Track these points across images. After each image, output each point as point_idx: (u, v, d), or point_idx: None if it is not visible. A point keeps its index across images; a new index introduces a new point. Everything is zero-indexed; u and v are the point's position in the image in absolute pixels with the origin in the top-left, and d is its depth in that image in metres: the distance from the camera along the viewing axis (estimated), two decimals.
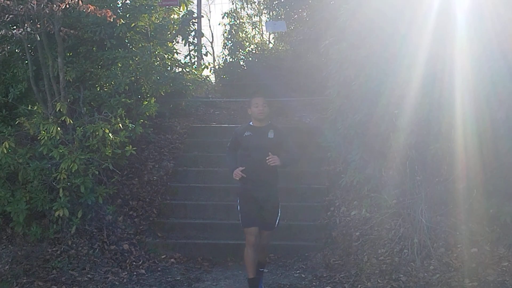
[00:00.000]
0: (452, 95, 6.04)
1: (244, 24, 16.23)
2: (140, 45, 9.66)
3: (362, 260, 6.79)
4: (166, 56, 10.39)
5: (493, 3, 5.74)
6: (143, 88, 9.68)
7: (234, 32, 15.55)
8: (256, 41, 16.42)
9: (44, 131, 7.44)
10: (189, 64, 11.49)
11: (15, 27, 7.79)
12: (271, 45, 16.39)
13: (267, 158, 5.83)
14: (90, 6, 7.18)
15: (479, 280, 6.06)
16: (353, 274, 6.61)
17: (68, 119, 7.76)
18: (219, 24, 17.83)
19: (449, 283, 6.08)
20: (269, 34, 16.81)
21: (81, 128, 7.76)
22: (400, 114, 6.59)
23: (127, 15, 9.60)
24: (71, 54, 9.18)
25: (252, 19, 16.71)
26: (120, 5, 9.84)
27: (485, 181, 6.28)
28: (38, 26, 7.61)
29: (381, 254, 6.75)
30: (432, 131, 6.44)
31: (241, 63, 15.07)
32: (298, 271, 6.99)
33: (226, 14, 15.82)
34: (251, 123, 6.21)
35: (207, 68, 12.65)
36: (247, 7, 16.50)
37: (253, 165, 5.97)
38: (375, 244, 6.91)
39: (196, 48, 11.72)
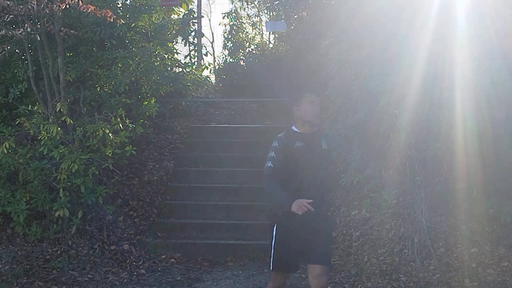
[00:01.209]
0: (452, 94, 6.01)
1: (244, 24, 16.23)
2: (140, 45, 9.66)
3: (362, 260, 6.79)
4: (166, 56, 10.41)
5: (493, 1, 5.75)
6: (143, 88, 9.70)
7: (234, 33, 15.56)
8: (257, 41, 16.42)
9: (44, 131, 7.45)
10: (189, 64, 11.52)
11: (15, 27, 7.82)
12: (271, 45, 16.40)
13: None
14: (90, 6, 7.19)
15: (479, 280, 6.05)
16: (353, 274, 6.61)
17: (68, 119, 7.77)
18: (219, 24, 17.86)
19: (449, 283, 6.08)
20: (269, 34, 16.84)
21: (81, 128, 7.77)
22: (400, 114, 6.54)
23: (127, 15, 9.62)
24: (71, 54, 9.18)
25: (252, 19, 16.72)
26: (120, 5, 9.85)
27: (485, 181, 6.26)
28: (38, 26, 7.64)
29: (381, 254, 6.74)
30: (432, 130, 6.42)
31: (241, 63, 15.09)
32: (298, 271, 7.00)
33: (226, 14, 15.83)
34: (296, 129, 4.69)
35: (207, 69, 12.66)
36: (247, 7, 16.51)
37: (304, 189, 4.49)
38: (375, 244, 6.90)
39: (196, 48, 11.74)
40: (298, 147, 4.53)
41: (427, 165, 6.76)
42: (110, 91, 9.10)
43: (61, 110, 7.76)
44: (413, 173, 6.77)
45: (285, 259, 4.61)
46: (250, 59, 14.91)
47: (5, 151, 7.10)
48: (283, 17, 12.90)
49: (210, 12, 21.83)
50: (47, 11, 7.26)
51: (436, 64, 6.18)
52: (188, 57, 11.75)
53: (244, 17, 16.52)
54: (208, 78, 13.29)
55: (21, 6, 7.25)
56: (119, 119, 7.95)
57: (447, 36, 6.11)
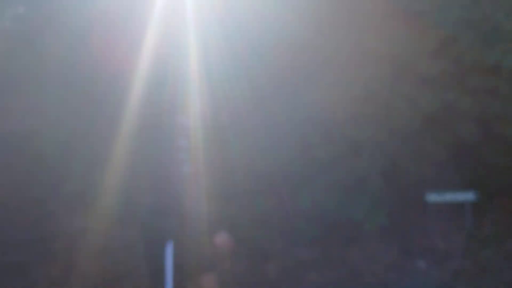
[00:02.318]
0: (181, 99, 6.06)
1: None
2: None
3: (86, 271, 6.55)
4: None
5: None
6: None
7: None
8: None
9: None
10: None
11: None
12: None
13: None
14: None
15: None
16: (80, 286, 6.38)
17: None
18: None
19: None
20: None
21: None
22: (123, 119, 6.40)
23: None
24: None
25: None
26: None
27: None
28: None
29: (105, 263, 6.62)
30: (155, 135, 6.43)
31: None
32: None
33: None
34: None
35: None
36: None
37: None
38: (99, 254, 6.72)
39: None
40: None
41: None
42: None
43: None
44: (139, 180, 6.75)
45: None
46: None
47: None
48: None
49: None
50: None
51: (165, 69, 6.18)
52: None
53: None
54: None
55: None
56: None
57: (177, 42, 6.18)
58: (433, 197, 7.36)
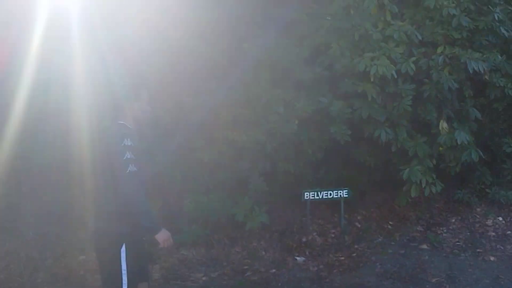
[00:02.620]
0: (67, 103, 5.89)
1: None
2: None
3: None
4: None
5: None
6: None
7: None
8: None
9: None
10: None
11: None
12: None
13: None
14: None
15: (88, 286, 6.15)
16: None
17: None
18: None
19: None
20: None
21: None
22: (4, 123, 6.13)
23: None
24: None
25: None
26: None
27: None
28: None
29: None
30: (39, 140, 6.38)
31: None
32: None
33: None
34: (129, 125, 4.13)
35: None
36: None
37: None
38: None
39: None
40: (141, 146, 3.99)
41: (35, 175, 6.66)
42: None
43: None
44: (19, 185, 6.66)
45: (138, 272, 4.05)
46: None
47: None
48: None
49: None
50: None
51: (50, 73, 6.11)
52: None
53: None
54: None
55: None
56: None
57: (62, 46, 6.03)
58: (310, 196, 7.69)
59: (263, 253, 7.23)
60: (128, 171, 3.73)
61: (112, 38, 5.91)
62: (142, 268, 4.15)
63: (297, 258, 7.11)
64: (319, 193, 7.73)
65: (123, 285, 3.90)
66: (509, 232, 8.14)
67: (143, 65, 6.18)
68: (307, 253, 7.25)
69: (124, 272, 3.89)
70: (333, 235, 7.81)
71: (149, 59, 6.23)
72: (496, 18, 8.24)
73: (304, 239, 7.54)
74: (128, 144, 3.80)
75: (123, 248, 3.90)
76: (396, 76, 7.32)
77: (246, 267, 6.85)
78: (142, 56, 6.27)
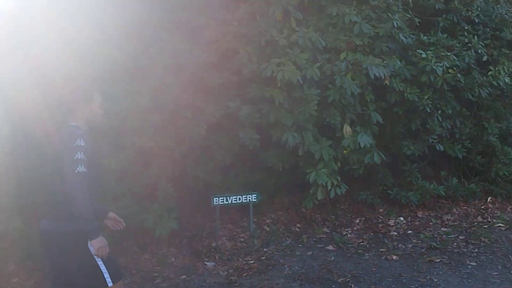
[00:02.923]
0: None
1: None
2: None
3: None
4: None
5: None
6: None
7: None
8: None
9: None
10: None
11: None
12: None
13: None
14: None
15: None
16: None
17: None
18: None
19: None
20: None
21: None
22: None
23: None
24: None
25: None
26: None
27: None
28: None
29: None
30: None
31: None
32: None
33: None
34: (81, 127, 4.14)
35: None
36: None
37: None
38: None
39: None
40: (92, 149, 4.01)
41: None
42: None
43: None
44: None
45: (116, 266, 4.20)
46: None
47: None
48: None
49: None
50: None
51: None
52: None
53: None
54: None
55: None
56: None
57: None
58: (219, 201, 7.73)
59: (173, 259, 7.19)
60: (76, 171, 3.75)
61: (16, 39, 5.74)
62: (114, 262, 4.21)
63: (207, 263, 7.12)
64: (228, 198, 7.78)
65: (104, 273, 3.98)
66: (410, 231, 8.53)
67: (47, 69, 6.00)
68: (217, 258, 7.27)
69: (100, 263, 3.97)
70: (242, 239, 7.88)
71: (55, 63, 6.05)
72: (395, 25, 8.63)
73: (214, 244, 7.57)
74: (81, 145, 3.83)
75: (90, 244, 3.93)
76: (301, 82, 7.48)
77: (156, 274, 6.79)
78: (47, 60, 6.08)
